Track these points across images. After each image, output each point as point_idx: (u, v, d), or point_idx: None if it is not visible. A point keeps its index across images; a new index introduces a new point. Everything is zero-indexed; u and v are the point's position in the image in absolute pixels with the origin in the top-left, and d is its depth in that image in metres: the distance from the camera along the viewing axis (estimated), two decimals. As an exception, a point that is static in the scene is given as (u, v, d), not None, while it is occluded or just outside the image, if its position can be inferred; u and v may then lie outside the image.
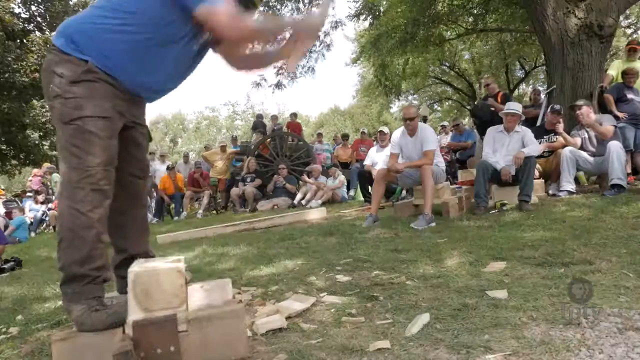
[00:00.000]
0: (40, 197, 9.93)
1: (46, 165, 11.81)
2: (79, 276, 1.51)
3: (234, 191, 8.91)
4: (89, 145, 1.54)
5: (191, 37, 1.70)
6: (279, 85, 12.55)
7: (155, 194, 9.32)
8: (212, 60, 2.01)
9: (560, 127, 5.19)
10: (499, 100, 6.55)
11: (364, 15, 12.71)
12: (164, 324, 1.41)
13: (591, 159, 4.83)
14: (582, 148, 4.97)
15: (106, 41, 1.60)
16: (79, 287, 1.51)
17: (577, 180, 5.39)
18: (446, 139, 8.98)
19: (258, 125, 11.79)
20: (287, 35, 1.72)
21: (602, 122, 4.84)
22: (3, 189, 12.91)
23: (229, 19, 1.57)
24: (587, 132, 4.98)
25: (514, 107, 4.74)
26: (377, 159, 7.04)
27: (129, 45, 1.61)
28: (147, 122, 1.94)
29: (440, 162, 4.54)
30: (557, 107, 5.50)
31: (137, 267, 1.47)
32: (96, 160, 1.54)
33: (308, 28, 1.76)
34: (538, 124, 6.21)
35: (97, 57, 1.59)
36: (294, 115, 12.31)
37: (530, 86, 22.84)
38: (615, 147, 4.48)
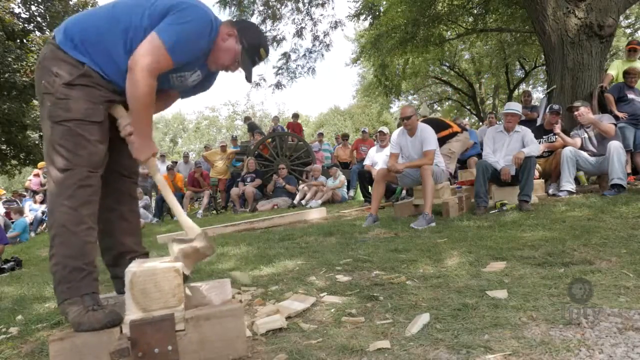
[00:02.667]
0: (38, 197, 9.93)
1: (43, 164, 11.81)
2: (75, 269, 1.52)
3: (234, 191, 8.91)
4: (77, 147, 1.56)
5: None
6: (278, 85, 12.56)
7: (155, 194, 9.32)
8: (217, 75, 2.04)
9: (558, 127, 5.19)
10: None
11: (364, 15, 12.72)
12: (161, 324, 1.41)
13: (591, 159, 4.83)
14: (582, 148, 4.97)
15: (106, 45, 1.61)
16: (74, 282, 1.52)
17: (577, 180, 5.39)
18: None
19: (253, 127, 11.80)
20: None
21: (602, 121, 4.84)
22: (3, 189, 12.90)
23: (144, 77, 1.57)
24: (587, 132, 4.97)
25: (514, 107, 4.74)
26: (377, 159, 7.04)
27: (125, 53, 1.62)
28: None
29: (440, 162, 4.54)
30: (556, 107, 5.50)
31: (134, 267, 1.47)
32: (82, 163, 1.56)
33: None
34: (538, 124, 6.21)
35: (95, 60, 1.60)
36: (295, 115, 12.32)
37: (531, 86, 22.86)
38: (615, 147, 4.48)
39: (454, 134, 5.71)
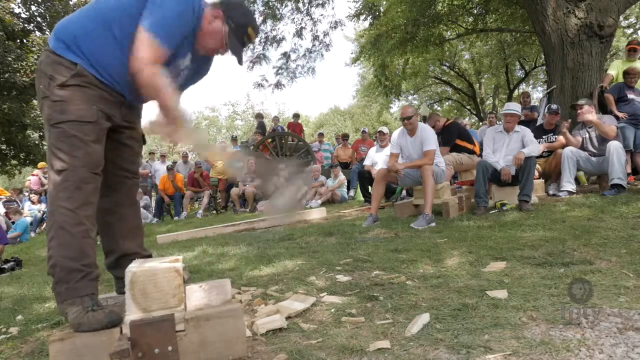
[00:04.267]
0: (34, 197, 9.95)
1: (43, 164, 11.80)
2: (73, 271, 1.52)
3: (234, 191, 8.91)
4: (72, 149, 1.56)
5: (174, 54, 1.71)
6: (278, 85, 12.56)
7: (155, 194, 9.32)
8: (212, 60, 2.02)
9: (565, 125, 5.13)
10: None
11: (364, 15, 12.73)
12: (161, 324, 1.41)
13: (592, 158, 4.83)
14: (582, 148, 4.97)
15: (96, 44, 1.61)
16: (72, 283, 1.51)
17: (577, 180, 5.38)
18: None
19: (259, 125, 11.81)
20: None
21: (604, 123, 4.83)
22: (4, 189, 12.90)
23: (146, 68, 1.58)
24: (588, 132, 4.97)
25: (513, 107, 4.74)
26: (376, 159, 7.04)
27: (117, 49, 1.62)
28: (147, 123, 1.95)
29: (440, 162, 4.54)
30: (555, 107, 5.50)
31: (135, 267, 1.47)
32: (79, 164, 1.56)
33: (192, 141, 1.80)
34: (538, 124, 6.21)
35: (88, 60, 1.60)
36: (296, 115, 12.32)
37: (530, 86, 22.86)
38: (615, 147, 4.48)
39: (473, 152, 5.73)
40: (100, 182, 1.65)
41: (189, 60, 1.82)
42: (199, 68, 1.94)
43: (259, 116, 13.08)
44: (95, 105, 1.61)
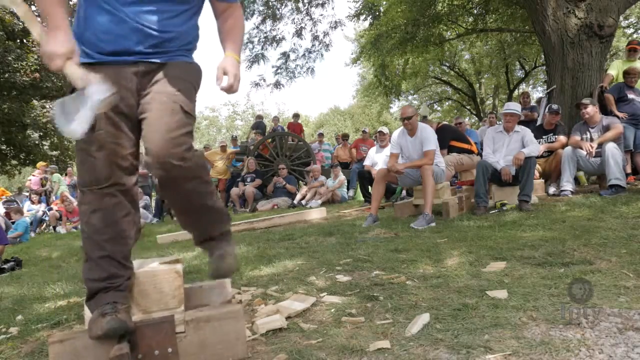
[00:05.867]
0: (35, 198, 9.95)
1: (42, 164, 11.80)
2: (100, 290, 1.43)
3: (234, 191, 8.91)
4: (81, 166, 1.47)
5: None
6: (277, 84, 12.56)
7: (155, 194, 9.32)
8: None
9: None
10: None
11: (364, 15, 12.73)
12: (161, 326, 1.41)
13: (592, 159, 4.82)
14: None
15: (80, 31, 1.49)
16: (98, 297, 1.43)
17: (577, 180, 5.38)
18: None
19: (259, 125, 11.80)
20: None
21: (609, 125, 4.81)
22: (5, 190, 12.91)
23: None
24: (589, 132, 4.95)
25: (512, 107, 4.74)
26: (376, 159, 7.04)
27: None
28: None
29: (440, 162, 4.54)
30: (555, 107, 5.49)
31: (135, 268, 1.47)
32: (86, 182, 1.46)
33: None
34: (538, 124, 6.21)
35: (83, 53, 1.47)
36: (296, 115, 12.32)
37: (530, 86, 22.86)
38: (610, 149, 4.48)
39: (471, 152, 5.76)
40: (118, 192, 1.48)
41: None
42: None
43: (259, 117, 13.08)
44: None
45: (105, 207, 1.45)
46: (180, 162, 1.42)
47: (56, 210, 9.43)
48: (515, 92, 20.90)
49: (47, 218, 9.69)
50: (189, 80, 1.55)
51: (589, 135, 4.97)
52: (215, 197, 1.65)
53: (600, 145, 4.70)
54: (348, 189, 8.79)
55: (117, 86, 1.40)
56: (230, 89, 1.56)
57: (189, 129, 1.48)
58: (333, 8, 22.07)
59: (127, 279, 1.45)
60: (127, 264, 1.48)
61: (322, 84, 72.41)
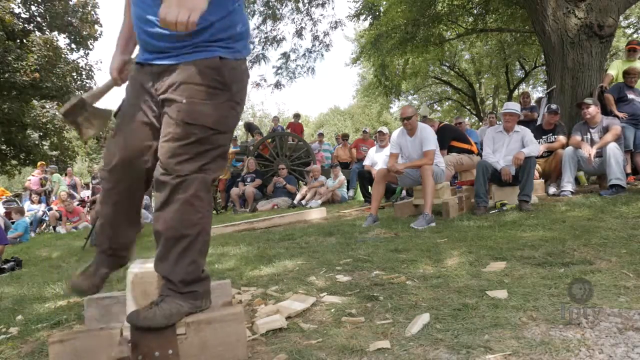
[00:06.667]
0: (35, 198, 9.95)
1: (41, 164, 11.81)
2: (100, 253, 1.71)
3: (234, 191, 8.91)
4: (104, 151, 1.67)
5: None
6: (277, 85, 12.56)
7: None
8: None
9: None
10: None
11: (364, 15, 12.72)
12: (162, 327, 1.41)
13: (594, 159, 4.81)
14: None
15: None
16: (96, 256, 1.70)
17: (577, 180, 5.38)
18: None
19: (251, 127, 11.77)
20: None
21: (609, 126, 4.81)
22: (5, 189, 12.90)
23: None
24: (590, 131, 4.95)
25: (512, 106, 4.74)
26: (376, 159, 7.04)
27: None
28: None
29: (440, 162, 4.54)
30: (554, 107, 5.49)
31: (136, 268, 1.47)
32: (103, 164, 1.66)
33: None
34: (537, 123, 6.21)
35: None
36: (296, 115, 12.32)
37: (530, 86, 22.85)
38: (611, 149, 4.48)
39: (471, 152, 5.76)
40: (120, 177, 1.62)
41: None
42: None
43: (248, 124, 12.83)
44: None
45: (105, 188, 1.67)
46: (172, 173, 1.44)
47: (56, 210, 9.43)
48: (515, 92, 20.89)
49: (47, 218, 9.68)
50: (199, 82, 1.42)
51: (589, 136, 4.97)
52: (200, 240, 1.58)
53: (599, 148, 4.70)
54: (348, 189, 8.79)
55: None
56: (164, 20, 1.18)
57: (187, 141, 1.42)
58: (333, 8, 22.13)
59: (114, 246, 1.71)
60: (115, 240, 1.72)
61: (322, 84, 72.47)
